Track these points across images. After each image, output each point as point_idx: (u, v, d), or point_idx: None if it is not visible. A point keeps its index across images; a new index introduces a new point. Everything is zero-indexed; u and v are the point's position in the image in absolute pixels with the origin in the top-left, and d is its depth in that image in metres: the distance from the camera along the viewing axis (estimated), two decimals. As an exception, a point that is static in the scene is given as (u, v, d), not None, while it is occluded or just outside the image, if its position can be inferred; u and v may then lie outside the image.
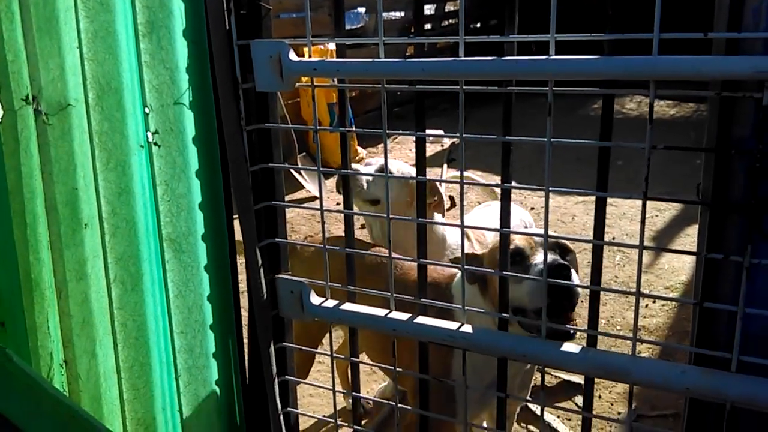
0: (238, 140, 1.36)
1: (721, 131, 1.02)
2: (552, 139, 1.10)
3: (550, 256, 1.58)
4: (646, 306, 3.37)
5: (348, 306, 1.39)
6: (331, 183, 6.01)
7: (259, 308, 1.45)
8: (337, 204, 5.27)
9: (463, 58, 1.11)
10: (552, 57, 1.04)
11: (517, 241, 1.70)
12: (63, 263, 1.51)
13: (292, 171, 5.65)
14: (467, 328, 1.26)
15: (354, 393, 1.50)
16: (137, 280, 1.57)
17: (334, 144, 6.45)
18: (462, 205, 1.17)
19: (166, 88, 1.43)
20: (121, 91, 1.46)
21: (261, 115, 1.41)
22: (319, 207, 1.37)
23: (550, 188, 1.13)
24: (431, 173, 5.93)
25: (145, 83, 1.42)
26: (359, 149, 6.63)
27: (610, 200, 4.93)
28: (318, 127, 1.32)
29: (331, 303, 1.41)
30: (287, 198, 5.73)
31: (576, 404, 2.60)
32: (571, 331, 1.41)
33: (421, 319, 1.31)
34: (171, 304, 1.54)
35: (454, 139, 7.37)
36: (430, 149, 7.09)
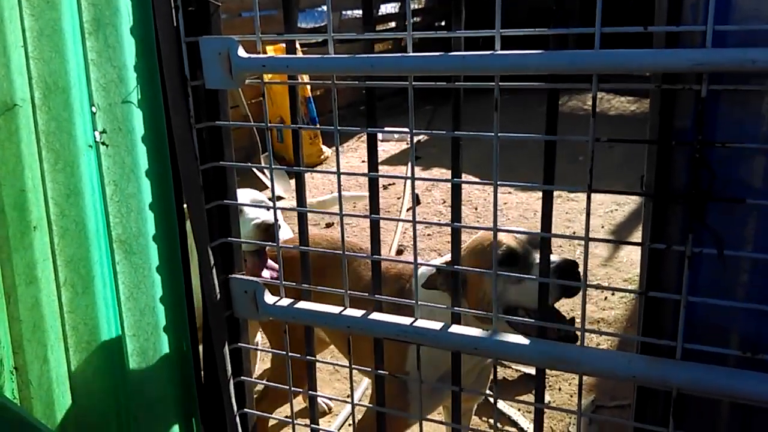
0: (187, 139, 1.35)
1: (662, 123, 1.04)
2: (499, 134, 1.11)
3: (554, 257, 1.56)
4: (605, 299, 3.43)
5: (302, 304, 1.38)
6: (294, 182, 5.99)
7: (212, 309, 1.44)
8: (302, 203, 5.25)
9: (411, 54, 1.12)
10: (498, 52, 1.05)
11: (507, 242, 1.68)
12: (12, 267, 1.48)
13: (255, 171, 5.60)
14: (420, 323, 1.26)
15: (311, 392, 1.49)
16: (88, 283, 1.54)
17: (298, 143, 6.43)
18: (414, 202, 1.17)
19: (113, 87, 1.40)
20: (69, 90, 1.43)
21: (211, 113, 1.39)
22: (272, 206, 1.36)
23: (499, 182, 1.14)
24: (395, 171, 5.94)
25: (92, 82, 1.39)
26: (324, 148, 6.61)
27: (571, 195, 5.02)
28: (270, 125, 1.31)
29: (285, 302, 1.40)
30: (250, 198, 5.61)
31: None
32: (574, 332, 1.42)
33: (376, 316, 1.31)
34: (123, 307, 1.51)
35: (419, 137, 7.40)
36: (397, 147, 7.11)
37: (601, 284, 3.61)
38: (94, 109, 1.39)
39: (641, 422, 1.20)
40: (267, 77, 1.30)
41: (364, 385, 2.84)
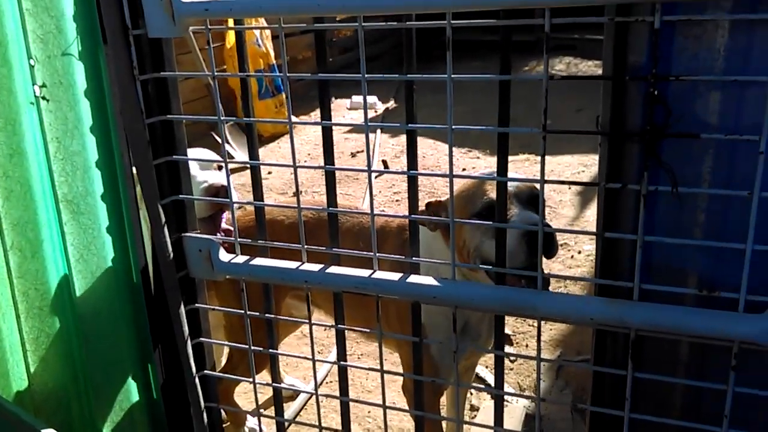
0: (131, 91, 1.28)
1: (616, 58, 1.02)
2: (453, 76, 1.07)
3: (530, 214, 1.58)
4: (572, 257, 3.45)
5: (259, 260, 1.35)
6: (262, 152, 5.89)
7: (165, 268, 1.39)
8: (269, 173, 5.18)
9: (358, -8, 1.07)
10: (447, -13, 1.01)
11: (491, 193, 1.64)
12: (-44, 232, 1.41)
13: (218, 139, 5.50)
14: (378, 275, 1.24)
15: (272, 350, 1.46)
16: (37, 247, 1.48)
17: (264, 112, 6.32)
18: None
19: (52, 38, 1.33)
20: (6, 44, 1.36)
21: (156, 64, 1.33)
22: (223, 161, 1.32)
23: (453, 126, 1.11)
24: (362, 139, 5.88)
25: (29, 33, 1.32)
26: (293, 119, 6.51)
27: (536, 159, 4.98)
28: (216, 73, 1.25)
29: (241, 259, 1.36)
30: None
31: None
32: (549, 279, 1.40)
33: (333, 269, 1.28)
34: (73, 270, 1.46)
35: (387, 105, 7.34)
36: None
37: (564, 239, 3.62)
38: (32, 62, 1.32)
39: (600, 366, 1.20)
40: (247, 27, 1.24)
41: (332, 358, 2.82)
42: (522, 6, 0.98)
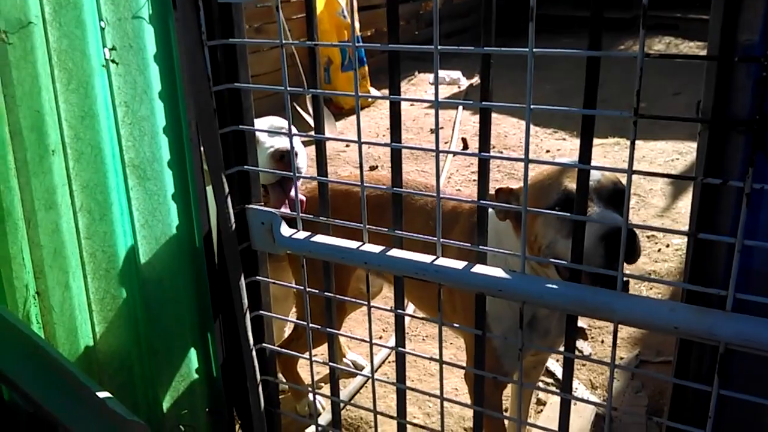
0: (198, 57, 1.25)
1: (723, 36, 0.89)
2: (534, 50, 0.97)
3: (611, 213, 1.40)
4: (659, 250, 3.25)
5: (319, 238, 1.30)
6: (341, 125, 5.87)
7: (227, 240, 1.37)
8: (347, 146, 5.16)
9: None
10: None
11: (569, 184, 1.45)
12: (31, 192, 1.44)
13: (300, 112, 5.52)
14: (441, 261, 1.16)
15: (329, 329, 1.42)
16: (105, 210, 1.49)
17: (346, 84, 6.28)
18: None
19: (123, 1, 1.31)
20: (81, 5, 1.35)
21: (226, 31, 1.29)
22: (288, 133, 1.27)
23: (532, 106, 1.01)
24: (443, 115, 5.76)
25: (100, -6, 1.30)
26: (372, 90, 6.45)
27: (638, 142, 4.78)
28: (284, 42, 1.20)
29: (302, 234, 1.32)
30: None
31: (578, 348, 2.51)
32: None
33: (394, 252, 1.21)
34: (137, 235, 1.46)
35: (471, 81, 7.15)
36: (447, 90, 6.89)
37: (650, 231, 3.41)
38: (102, 24, 1.31)
39: (683, 378, 1.09)
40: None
41: (392, 343, 2.77)
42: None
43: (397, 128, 1.22)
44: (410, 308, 2.56)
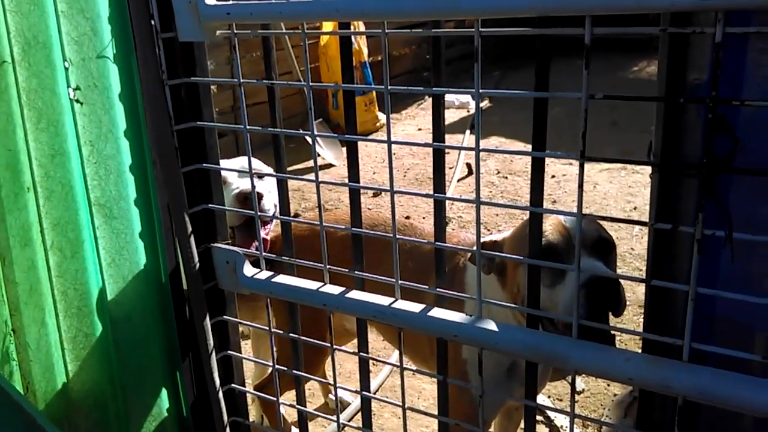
0: (159, 96, 1.25)
1: (670, 76, 0.85)
2: (481, 90, 0.95)
3: (593, 262, 1.36)
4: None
5: (281, 278, 1.27)
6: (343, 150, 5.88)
7: (190, 279, 1.35)
8: (353, 171, 5.14)
9: (380, -4, 0.97)
10: (475, -9, 0.88)
11: (550, 234, 1.43)
12: (6, 229, 1.43)
13: (307, 139, 5.53)
14: (399, 304, 1.13)
15: (295, 371, 1.39)
16: (77, 247, 1.49)
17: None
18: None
19: (87, 41, 1.31)
20: (50, 45, 1.36)
21: (188, 69, 1.28)
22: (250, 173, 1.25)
23: (481, 149, 0.98)
24: (451, 140, 5.74)
25: (64, 35, 1.30)
26: (380, 115, 6.47)
27: (636, 168, 4.67)
28: (242, 80, 1.19)
29: (264, 275, 1.29)
30: (300, 166, 5.57)
31: (569, 382, 2.44)
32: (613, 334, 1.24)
33: (354, 294, 1.18)
34: (105, 274, 1.45)
35: (483, 103, 7.13)
36: (456, 115, 6.88)
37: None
38: (66, 64, 1.31)
39: (645, 429, 1.04)
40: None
41: (385, 371, 2.72)
42: (559, 13, 0.84)
43: (355, 167, 1.20)
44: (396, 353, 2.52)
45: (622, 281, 1.35)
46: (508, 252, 1.53)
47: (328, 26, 6.10)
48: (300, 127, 5.65)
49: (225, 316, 1.43)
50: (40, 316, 1.51)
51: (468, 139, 5.83)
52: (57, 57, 1.36)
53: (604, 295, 1.29)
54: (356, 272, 1.22)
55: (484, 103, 7.24)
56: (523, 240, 1.47)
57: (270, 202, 1.81)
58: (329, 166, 5.45)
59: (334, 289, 1.20)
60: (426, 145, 1.00)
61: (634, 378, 0.92)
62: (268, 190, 1.81)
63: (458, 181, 4.80)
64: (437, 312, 1.10)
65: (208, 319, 1.38)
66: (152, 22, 1.22)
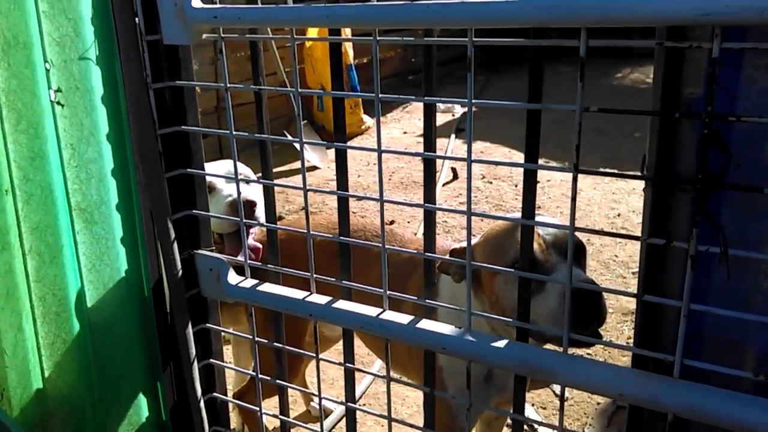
0: (143, 99, 1.22)
1: (666, 91, 0.85)
2: (473, 101, 0.94)
3: (574, 270, 1.31)
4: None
5: (266, 287, 1.25)
6: (332, 153, 5.85)
7: (173, 286, 1.32)
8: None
9: (372, 3, 0.95)
10: (468, 0, 0.87)
11: (521, 243, 1.40)
12: (-18, 232, 1.40)
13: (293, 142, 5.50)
14: (386, 315, 1.11)
15: (278, 381, 1.36)
16: (56, 252, 1.45)
17: (339, 112, 6.27)
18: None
19: (69, 42, 1.28)
20: (31, 45, 1.32)
21: (173, 72, 1.26)
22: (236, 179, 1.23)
23: (473, 159, 0.97)
24: (438, 144, 5.73)
25: (45, 36, 1.27)
26: (365, 118, 6.45)
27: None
28: (228, 85, 1.16)
29: (248, 283, 1.27)
30: (284, 168, 5.54)
31: (554, 392, 2.44)
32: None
33: (340, 304, 1.16)
34: (84, 280, 1.41)
35: (465, 110, 7.14)
36: (440, 119, 6.88)
37: (600, 286, 3.33)
38: (47, 66, 1.28)
39: (634, 444, 1.03)
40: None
41: (369, 378, 2.70)
42: (551, 24, 0.83)
43: (343, 175, 1.18)
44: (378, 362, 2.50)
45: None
46: (479, 259, 1.50)
47: (313, 30, 6.09)
48: (285, 128, 5.62)
49: (208, 324, 1.40)
50: (16, 321, 1.47)
51: (453, 143, 5.83)
52: (38, 58, 1.33)
53: (586, 304, 1.28)
54: (343, 282, 1.20)
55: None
56: (498, 247, 1.48)
57: (261, 209, 1.78)
58: (313, 168, 5.42)
59: (321, 299, 1.18)
60: (417, 154, 0.99)
61: (624, 394, 0.91)
62: (260, 197, 1.78)
63: (443, 185, 4.79)
64: (426, 324, 1.08)
65: (190, 327, 1.35)
66: (136, 24, 1.19)
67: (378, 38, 0.98)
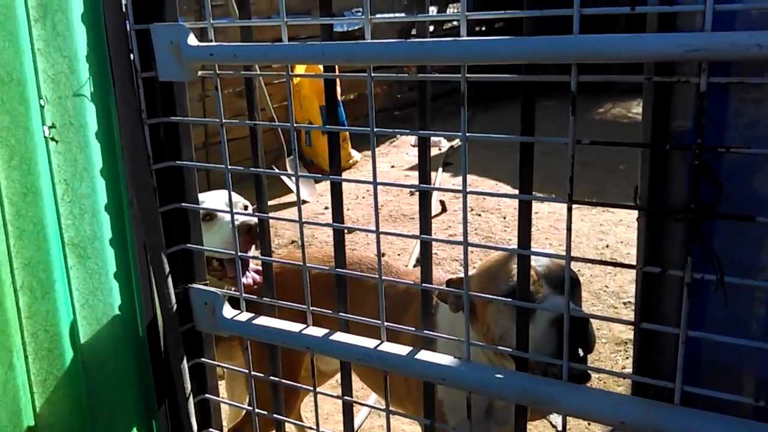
0: (138, 135, 1.23)
1: (656, 123, 0.87)
2: (467, 134, 0.95)
3: (561, 299, 1.36)
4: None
5: (262, 320, 1.25)
6: (321, 187, 5.87)
7: (167, 321, 1.31)
8: (326, 208, 5.13)
9: (367, 41, 0.97)
10: (461, 38, 0.89)
11: (517, 269, 1.42)
12: (-28, 269, 1.39)
13: (283, 178, 5.51)
14: (385, 347, 1.11)
15: (276, 415, 1.35)
16: (48, 288, 1.44)
17: (325, 149, 6.31)
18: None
19: (63, 79, 1.29)
20: (24, 82, 1.33)
21: (167, 108, 1.27)
22: (232, 211, 1.23)
23: (468, 191, 0.98)
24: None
25: (40, 73, 1.28)
26: (353, 152, 6.49)
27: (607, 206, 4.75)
28: (224, 120, 1.18)
29: (244, 317, 1.27)
30: (273, 202, 5.52)
31: (551, 422, 2.43)
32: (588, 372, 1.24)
33: (338, 336, 1.16)
34: (78, 315, 1.40)
35: (452, 143, 7.22)
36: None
37: (593, 313, 3.34)
38: (42, 102, 1.29)
39: (634, 474, 1.03)
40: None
41: (364, 412, 2.67)
42: (544, 61, 0.85)
43: (339, 207, 1.19)
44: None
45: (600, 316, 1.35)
46: (475, 290, 1.51)
47: (300, 66, 6.16)
48: (273, 163, 5.64)
49: (203, 359, 1.39)
50: (7, 358, 1.45)
51: (441, 176, 5.88)
52: (32, 94, 1.34)
53: (574, 332, 1.29)
54: (341, 314, 1.20)
55: (456, 142, 7.33)
56: (491, 277, 1.50)
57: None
58: (303, 202, 5.42)
59: (318, 332, 1.18)
60: (413, 186, 1.00)
61: (626, 422, 0.92)
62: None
63: (432, 218, 4.81)
64: (425, 355, 1.08)
65: (185, 361, 1.34)
66: (132, 62, 1.20)
67: (373, 75, 1.00)
